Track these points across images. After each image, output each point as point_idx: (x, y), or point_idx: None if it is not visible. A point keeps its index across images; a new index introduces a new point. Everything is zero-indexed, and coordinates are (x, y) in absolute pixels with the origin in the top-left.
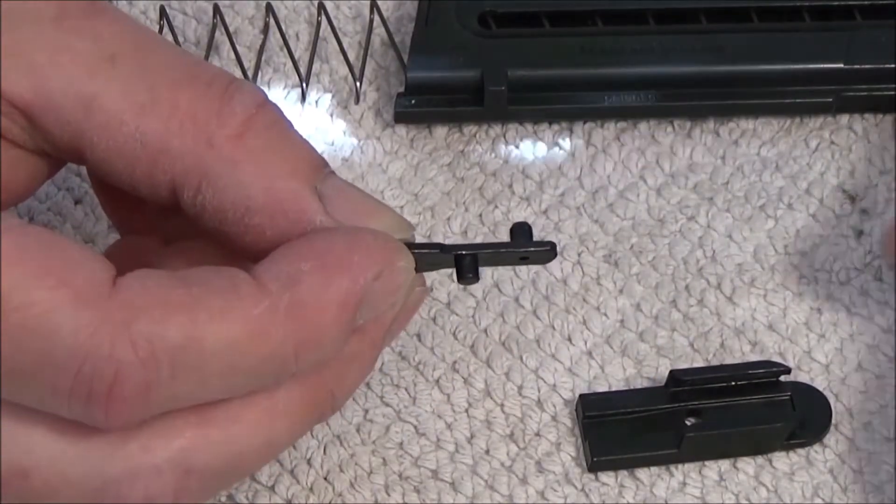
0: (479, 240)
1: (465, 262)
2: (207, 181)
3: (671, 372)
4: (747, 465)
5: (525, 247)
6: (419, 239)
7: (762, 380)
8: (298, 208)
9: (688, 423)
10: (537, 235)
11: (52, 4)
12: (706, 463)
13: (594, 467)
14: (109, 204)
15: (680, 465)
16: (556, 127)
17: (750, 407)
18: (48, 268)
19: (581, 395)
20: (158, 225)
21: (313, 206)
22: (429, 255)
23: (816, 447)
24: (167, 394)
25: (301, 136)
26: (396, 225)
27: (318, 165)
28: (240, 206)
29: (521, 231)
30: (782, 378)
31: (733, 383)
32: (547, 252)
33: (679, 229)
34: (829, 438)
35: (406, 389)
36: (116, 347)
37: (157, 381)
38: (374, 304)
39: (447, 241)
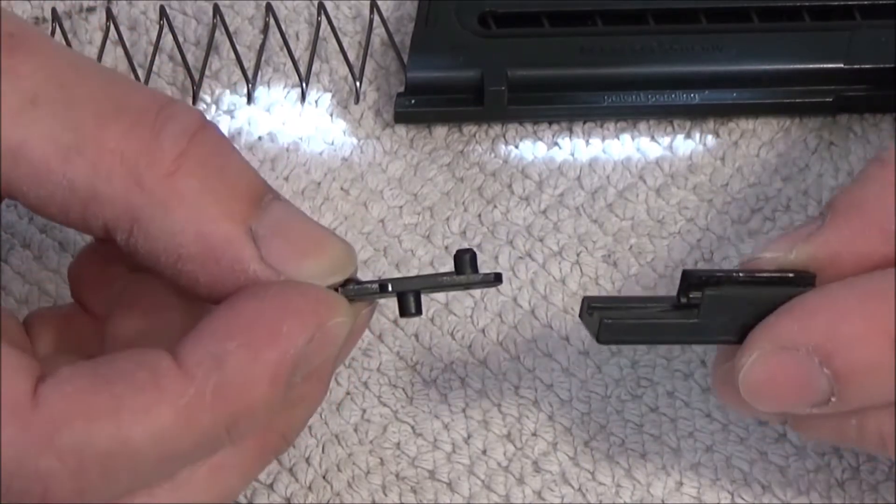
0: (477, 240)
1: (408, 299)
2: (138, 226)
3: (684, 272)
4: (742, 461)
5: (469, 280)
6: (418, 239)
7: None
8: (232, 256)
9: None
10: (537, 235)
11: None
12: (702, 461)
13: (603, 332)
14: None
15: (677, 465)
16: (555, 127)
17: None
18: None
19: (585, 297)
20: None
21: (247, 253)
22: (368, 296)
23: (813, 440)
24: (103, 493)
25: (241, 162)
26: (336, 263)
27: (256, 198)
28: (172, 254)
29: (464, 260)
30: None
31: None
32: (491, 283)
33: (678, 230)
34: None
35: (403, 389)
36: (41, 462)
37: (89, 485)
38: (310, 362)
39: (445, 243)
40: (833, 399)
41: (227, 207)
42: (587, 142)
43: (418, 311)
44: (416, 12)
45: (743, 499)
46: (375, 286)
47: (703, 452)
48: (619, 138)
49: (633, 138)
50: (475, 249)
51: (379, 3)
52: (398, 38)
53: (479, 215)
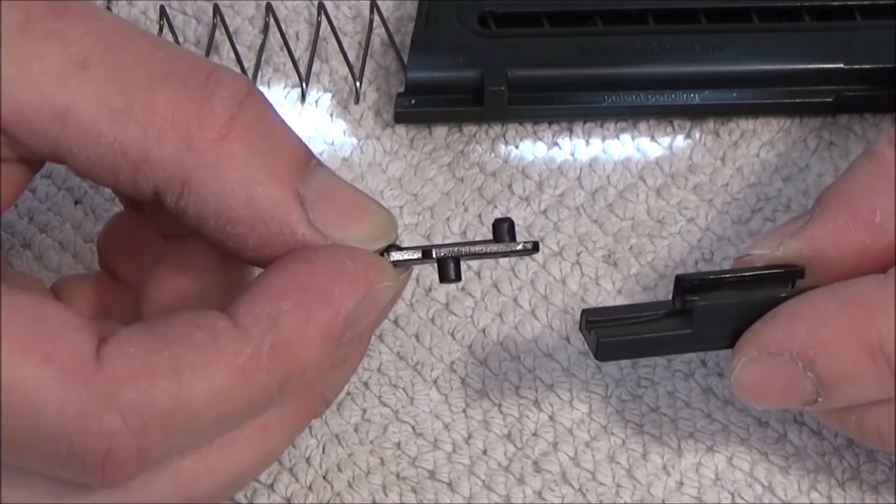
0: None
1: (448, 265)
2: (189, 188)
3: (677, 276)
4: (742, 461)
5: (507, 248)
6: (418, 240)
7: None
8: (281, 219)
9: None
10: (536, 236)
11: (17, 8)
12: (703, 462)
13: (601, 351)
14: None
15: (678, 465)
16: (555, 127)
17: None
18: (32, 342)
19: (583, 310)
20: (154, 211)
21: (295, 217)
22: (411, 262)
23: (814, 440)
24: (161, 452)
25: (286, 128)
26: (381, 228)
27: (302, 163)
28: (222, 216)
29: (501, 229)
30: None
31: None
32: (529, 251)
33: (678, 230)
34: (828, 431)
35: (404, 389)
36: (105, 422)
37: (150, 444)
38: (358, 323)
39: (446, 241)
40: (820, 399)
41: (275, 171)
42: (587, 142)
43: (458, 278)
44: (416, 12)
45: (743, 499)
46: (418, 252)
47: (704, 453)
48: (619, 138)
49: (633, 138)
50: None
51: (379, 3)
52: (398, 38)
53: (479, 215)
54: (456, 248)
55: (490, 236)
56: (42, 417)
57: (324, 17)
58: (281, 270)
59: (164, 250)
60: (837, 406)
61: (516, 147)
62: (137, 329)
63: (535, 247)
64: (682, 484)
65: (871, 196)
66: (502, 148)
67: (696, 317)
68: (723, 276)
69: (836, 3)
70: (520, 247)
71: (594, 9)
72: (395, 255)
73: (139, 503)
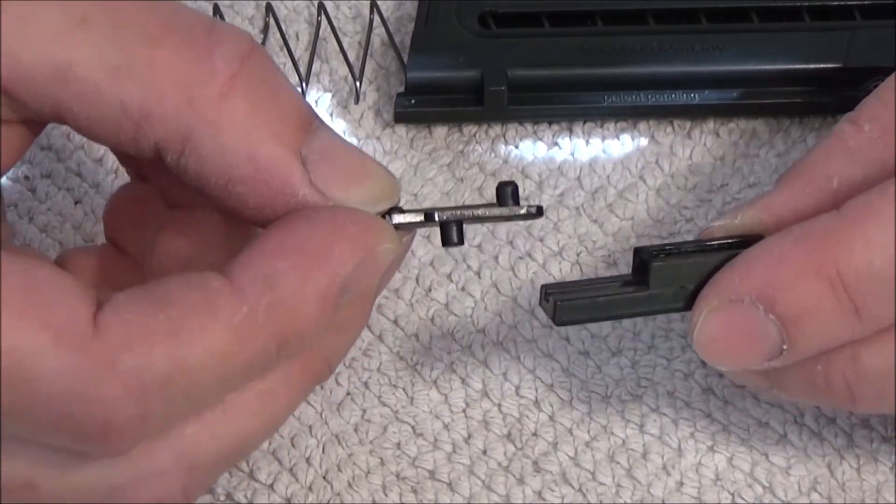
0: (478, 240)
1: (451, 229)
2: (190, 146)
3: (636, 248)
4: (743, 462)
5: (511, 212)
6: (418, 239)
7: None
8: (282, 179)
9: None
10: (536, 236)
11: None
12: (703, 462)
13: (559, 313)
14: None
15: (678, 465)
16: (555, 127)
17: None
18: (29, 308)
19: (543, 285)
20: (158, 176)
21: (297, 177)
22: (413, 225)
23: (814, 441)
24: (162, 417)
25: (290, 87)
26: (383, 190)
27: (305, 122)
28: (223, 175)
29: (505, 192)
30: None
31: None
32: (533, 215)
33: (678, 230)
34: (828, 432)
35: (404, 389)
36: (104, 388)
37: (150, 410)
38: (358, 286)
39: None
40: (785, 347)
41: (278, 130)
42: (587, 142)
43: (460, 241)
44: (416, 12)
45: (743, 499)
46: (420, 215)
47: (704, 453)
48: (619, 138)
49: (633, 138)
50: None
51: (379, 3)
52: (398, 38)
53: None
54: (459, 212)
55: (491, 238)
56: (40, 385)
57: (324, 17)
58: (279, 231)
59: (167, 218)
60: (802, 354)
61: (516, 147)
62: (133, 293)
63: (539, 211)
64: (682, 484)
65: (828, 164)
66: (502, 148)
67: (654, 277)
68: (682, 246)
69: (835, 3)
70: (523, 210)
71: (594, 9)
72: (397, 218)
73: (142, 471)
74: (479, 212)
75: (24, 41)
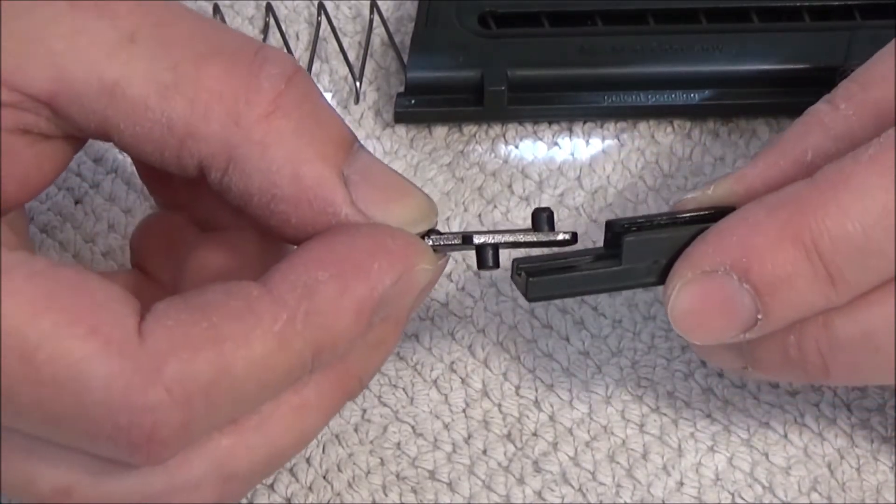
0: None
1: (487, 252)
2: (234, 164)
3: (608, 221)
4: (743, 462)
5: (546, 237)
6: None
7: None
8: (325, 198)
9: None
10: None
11: None
12: (703, 462)
13: (531, 289)
14: (145, 174)
15: (678, 465)
16: (555, 127)
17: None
18: (77, 314)
19: (514, 259)
20: (193, 200)
21: (339, 197)
22: (450, 247)
23: (814, 441)
24: (204, 424)
25: (331, 108)
26: (422, 212)
27: (346, 144)
28: (266, 193)
29: (541, 218)
30: None
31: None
32: (567, 242)
33: None
34: (828, 432)
35: (404, 389)
36: (150, 396)
37: (194, 417)
38: (393, 304)
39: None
40: (760, 317)
41: (321, 150)
42: (587, 142)
43: (496, 265)
44: (416, 12)
45: (743, 499)
46: (458, 238)
47: (704, 453)
48: (619, 138)
49: (632, 138)
50: None
51: (379, 3)
52: (398, 38)
53: (479, 215)
54: (495, 236)
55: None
56: (87, 391)
57: (324, 17)
58: (319, 242)
59: (199, 242)
60: (777, 323)
61: (516, 147)
62: (173, 302)
63: (574, 238)
64: (682, 484)
65: (803, 138)
66: (502, 148)
67: (626, 251)
68: (654, 219)
69: (835, 3)
70: (559, 237)
71: (594, 9)
72: (435, 240)
73: (177, 481)
74: (516, 237)
75: (74, 57)
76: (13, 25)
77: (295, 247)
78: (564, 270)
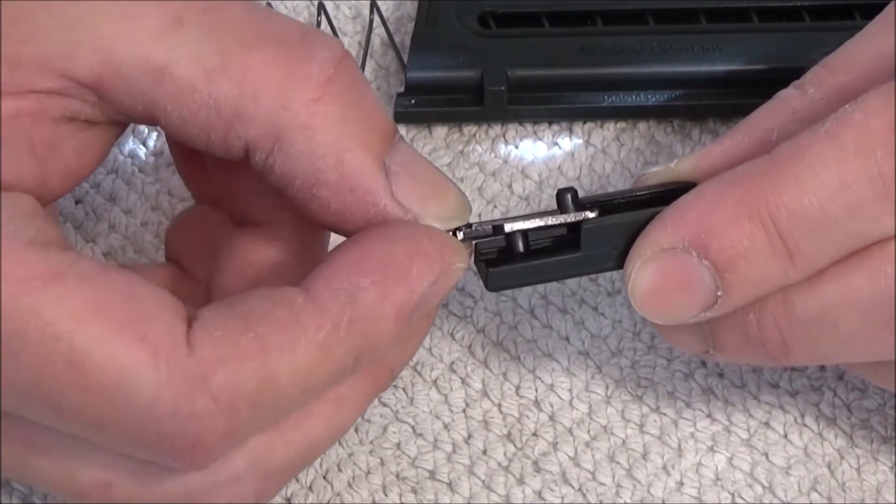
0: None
1: (517, 240)
2: (280, 146)
3: (560, 190)
4: (743, 462)
5: (573, 218)
6: None
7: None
8: (366, 188)
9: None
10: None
11: None
12: (703, 462)
13: (492, 281)
14: (184, 167)
15: (678, 465)
16: (555, 127)
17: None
18: (126, 322)
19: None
20: (229, 193)
21: (380, 187)
22: (481, 237)
23: (814, 441)
24: (247, 432)
25: (375, 97)
26: (456, 208)
27: (389, 134)
28: (309, 178)
29: (566, 199)
30: None
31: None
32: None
33: None
34: (828, 432)
35: (404, 390)
36: (197, 404)
37: (238, 425)
38: (430, 302)
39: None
40: (720, 294)
41: (366, 139)
42: (587, 142)
43: (527, 253)
44: (416, 12)
45: (743, 499)
46: (489, 227)
47: (704, 453)
48: (619, 138)
49: (632, 138)
50: None
51: (379, 3)
52: (398, 38)
53: (480, 215)
54: (524, 222)
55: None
56: (135, 398)
57: (324, 17)
58: (359, 245)
59: (234, 237)
60: (737, 301)
61: (516, 147)
62: (218, 309)
63: (601, 212)
64: (682, 484)
65: (770, 119)
66: (502, 148)
67: (585, 239)
68: (614, 198)
69: (836, 3)
70: (586, 215)
71: (594, 9)
72: (467, 232)
73: (218, 477)
74: (545, 220)
75: (122, 40)
76: (60, 12)
77: (329, 237)
78: (523, 258)
